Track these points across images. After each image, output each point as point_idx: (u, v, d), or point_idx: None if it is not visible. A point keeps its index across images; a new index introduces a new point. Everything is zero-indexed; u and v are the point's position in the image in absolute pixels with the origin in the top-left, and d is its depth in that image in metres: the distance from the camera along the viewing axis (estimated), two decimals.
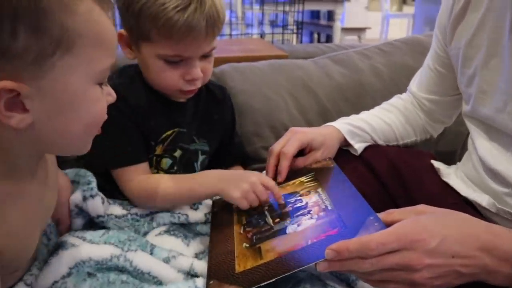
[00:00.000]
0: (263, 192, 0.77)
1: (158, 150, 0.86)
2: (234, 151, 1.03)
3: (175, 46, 0.74)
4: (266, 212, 0.78)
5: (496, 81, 0.77)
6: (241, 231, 0.75)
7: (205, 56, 0.80)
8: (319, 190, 0.79)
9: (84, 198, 0.74)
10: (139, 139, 0.82)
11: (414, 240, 0.55)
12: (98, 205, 0.75)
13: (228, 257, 0.68)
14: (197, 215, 0.81)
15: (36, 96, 0.45)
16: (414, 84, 1.04)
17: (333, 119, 1.00)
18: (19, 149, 0.50)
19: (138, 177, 0.79)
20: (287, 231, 0.70)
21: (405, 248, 0.55)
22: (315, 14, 6.30)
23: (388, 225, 0.59)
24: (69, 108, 0.49)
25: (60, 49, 0.45)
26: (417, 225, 0.58)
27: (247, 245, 0.71)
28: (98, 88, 0.52)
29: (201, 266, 0.69)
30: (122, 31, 0.79)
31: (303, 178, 0.86)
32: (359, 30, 5.61)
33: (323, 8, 5.40)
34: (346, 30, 5.48)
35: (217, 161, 0.99)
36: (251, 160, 1.11)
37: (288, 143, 0.89)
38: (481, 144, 0.82)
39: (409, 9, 7.80)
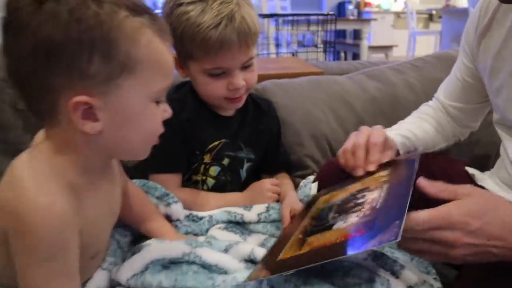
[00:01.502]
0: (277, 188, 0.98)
1: (206, 158, 0.95)
2: (279, 159, 1.11)
3: (213, 60, 0.84)
4: (334, 207, 0.81)
5: None
6: (307, 222, 0.80)
7: (245, 67, 0.89)
8: (385, 187, 0.78)
9: (168, 204, 0.86)
10: (180, 151, 0.93)
11: (457, 222, 0.61)
12: (180, 209, 0.87)
13: (282, 244, 0.75)
14: (250, 215, 0.89)
15: (105, 109, 0.56)
16: (441, 93, 1.10)
17: None
18: (92, 153, 0.61)
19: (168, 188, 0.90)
20: (333, 227, 0.73)
21: (448, 228, 0.61)
22: (341, 33, 6.40)
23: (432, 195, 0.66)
24: (129, 121, 0.60)
25: (124, 72, 0.56)
26: (461, 209, 0.63)
27: (300, 236, 0.76)
28: (154, 105, 0.62)
29: (262, 252, 0.76)
30: (174, 54, 0.88)
31: (382, 173, 0.86)
32: (386, 48, 5.66)
33: (351, 27, 5.49)
34: (373, 48, 5.54)
35: (263, 168, 1.08)
36: (294, 167, 1.18)
37: (373, 136, 0.90)
38: (509, 146, 0.89)
39: (435, 26, 7.79)
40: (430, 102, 1.13)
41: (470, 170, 0.99)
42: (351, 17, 7.01)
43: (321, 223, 0.77)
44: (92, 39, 0.53)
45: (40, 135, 0.64)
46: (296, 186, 1.06)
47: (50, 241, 0.55)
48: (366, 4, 8.09)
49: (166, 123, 0.66)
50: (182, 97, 0.95)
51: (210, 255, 0.72)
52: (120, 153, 0.67)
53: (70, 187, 0.58)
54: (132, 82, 0.57)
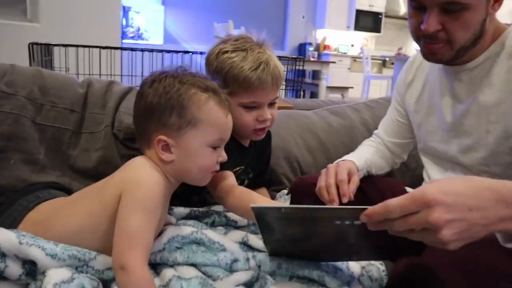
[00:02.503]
0: None
1: None
2: (265, 177, 1.35)
3: (251, 95, 1.07)
4: None
5: (436, 124, 1.14)
6: None
7: (271, 104, 1.12)
8: None
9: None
10: None
11: (430, 199, 0.59)
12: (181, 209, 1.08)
13: None
14: (243, 221, 1.10)
15: (176, 146, 0.90)
16: (381, 130, 1.38)
17: (332, 156, 1.35)
18: (169, 173, 0.92)
19: None
20: None
21: (424, 208, 0.60)
22: (301, 73, 6.79)
23: None
24: (191, 157, 0.91)
25: (189, 125, 0.89)
26: (432, 187, 0.62)
27: None
28: (210, 149, 0.92)
29: (255, 238, 0.99)
30: None
31: None
32: (342, 89, 6.02)
33: (312, 68, 5.84)
34: (330, 88, 5.89)
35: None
36: (272, 183, 1.44)
37: (339, 174, 1.09)
38: (429, 170, 1.19)
39: (388, 72, 8.31)
40: (372, 138, 1.41)
41: (408, 189, 1.26)
42: (312, 59, 7.44)
43: None
44: (172, 104, 0.88)
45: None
46: (273, 198, 1.31)
47: (153, 197, 0.84)
48: (325, 47, 8.58)
49: None
50: None
51: (213, 234, 0.95)
52: (186, 178, 0.95)
53: (161, 182, 0.89)
54: (194, 132, 0.89)
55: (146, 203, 0.83)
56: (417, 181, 1.27)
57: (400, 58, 6.36)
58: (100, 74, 2.82)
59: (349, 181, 1.10)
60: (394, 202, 0.62)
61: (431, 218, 0.59)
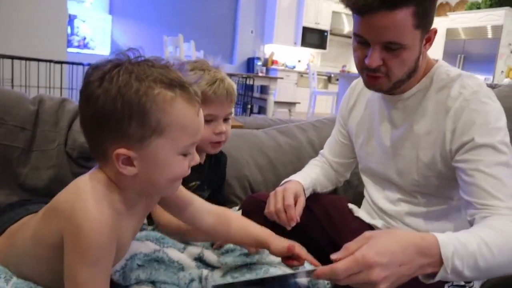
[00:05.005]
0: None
1: None
2: (221, 194, 1.42)
3: (208, 108, 1.12)
4: None
5: (375, 147, 1.25)
6: None
7: (225, 119, 1.20)
8: None
9: None
10: None
11: (370, 262, 0.74)
12: None
13: None
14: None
15: (139, 159, 0.73)
16: (326, 150, 1.47)
17: (281, 175, 1.42)
18: (130, 189, 0.78)
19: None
20: None
21: (365, 268, 0.74)
22: (249, 87, 6.89)
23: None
24: (158, 169, 0.75)
25: (155, 134, 0.72)
26: (370, 250, 0.75)
27: None
28: (181, 157, 0.76)
29: (210, 254, 1.04)
30: None
31: None
32: (290, 104, 6.14)
33: (260, 83, 5.94)
34: (278, 103, 6.00)
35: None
36: (224, 202, 1.48)
37: (286, 199, 1.17)
38: (369, 188, 1.30)
39: (333, 87, 8.59)
40: (317, 157, 1.49)
41: (350, 205, 1.34)
42: (260, 74, 7.57)
43: None
44: (131, 110, 0.70)
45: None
46: None
47: (98, 247, 0.70)
48: (273, 62, 8.77)
49: None
50: None
51: (174, 254, 0.99)
52: (151, 192, 0.82)
53: (114, 209, 0.75)
54: (161, 141, 0.72)
55: (89, 256, 0.70)
56: (359, 198, 1.37)
57: (344, 75, 6.61)
58: (38, 87, 2.74)
59: (296, 203, 1.18)
60: (340, 265, 0.75)
61: (372, 277, 0.74)
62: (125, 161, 0.73)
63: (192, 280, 0.96)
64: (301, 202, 1.20)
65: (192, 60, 1.21)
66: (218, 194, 1.40)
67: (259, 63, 8.47)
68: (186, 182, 1.18)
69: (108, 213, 0.73)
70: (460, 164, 1.02)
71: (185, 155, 0.77)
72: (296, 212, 1.16)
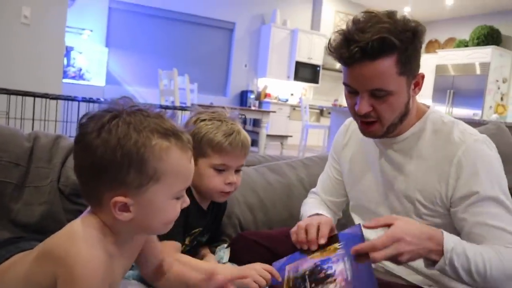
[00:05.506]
0: (267, 275, 1.01)
1: (187, 241, 1.22)
2: (217, 236, 1.45)
3: (222, 158, 1.17)
4: (306, 277, 1.02)
5: (369, 185, 1.27)
6: None
7: (237, 170, 1.22)
8: (345, 258, 1.00)
9: None
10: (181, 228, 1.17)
11: (398, 237, 0.94)
12: None
13: None
14: None
15: (136, 205, 0.77)
16: (319, 188, 1.48)
17: (271, 213, 1.45)
18: (123, 231, 0.81)
19: (174, 252, 1.09)
20: None
21: (395, 242, 0.94)
22: (242, 121, 6.92)
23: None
24: (153, 213, 0.79)
25: (152, 181, 0.76)
26: (397, 228, 0.96)
27: None
28: (174, 201, 0.81)
29: None
30: None
31: (336, 245, 1.09)
32: (282, 137, 6.17)
33: (253, 117, 6.00)
34: (270, 136, 6.03)
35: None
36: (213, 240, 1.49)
37: (322, 220, 1.17)
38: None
39: (325, 121, 8.65)
40: (312, 196, 1.50)
41: None
42: (253, 107, 7.64)
43: None
44: (130, 159, 0.74)
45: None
46: (213, 253, 1.37)
47: None
48: (266, 95, 8.87)
49: None
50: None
51: None
52: (145, 232, 0.87)
53: (107, 252, 0.77)
54: (157, 187, 0.77)
55: None
56: None
57: (336, 109, 6.68)
58: (33, 119, 2.76)
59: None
60: (378, 241, 0.94)
61: (400, 249, 0.95)
62: (122, 207, 0.77)
63: None
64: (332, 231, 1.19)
65: (210, 109, 1.26)
66: (216, 235, 1.43)
67: (252, 96, 8.56)
68: (190, 229, 1.22)
69: (102, 257, 0.75)
70: (463, 215, 1.08)
71: (177, 198, 0.82)
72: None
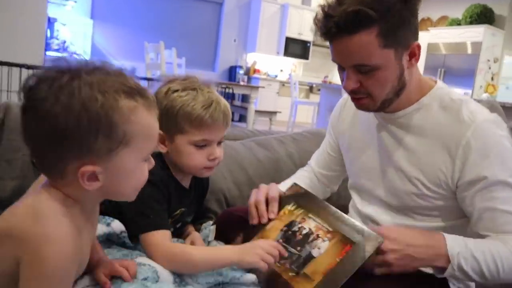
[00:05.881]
0: (275, 252, 0.98)
1: (169, 222, 1.12)
2: (200, 213, 1.35)
3: (203, 133, 1.04)
4: (286, 245, 1.02)
5: (368, 163, 1.21)
6: (278, 265, 0.99)
7: (219, 142, 1.11)
8: (310, 215, 1.05)
9: (108, 224, 1.02)
10: (166, 213, 1.08)
11: (386, 235, 0.94)
12: (119, 224, 1.03)
13: (287, 285, 0.96)
14: None
15: (105, 172, 0.70)
16: (313, 161, 1.44)
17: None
18: (90, 201, 0.75)
19: (166, 242, 0.99)
20: (314, 255, 0.97)
21: (387, 240, 0.93)
22: (230, 95, 6.86)
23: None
24: (123, 178, 0.73)
25: (121, 145, 0.70)
26: (389, 229, 0.98)
27: (293, 274, 0.97)
28: (143, 163, 0.76)
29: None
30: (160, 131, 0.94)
31: (289, 207, 1.11)
32: (271, 113, 6.11)
33: (241, 92, 5.91)
34: (259, 112, 5.96)
35: None
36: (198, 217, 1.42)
37: (269, 191, 1.16)
38: (358, 203, 1.25)
39: (315, 97, 8.60)
40: (305, 167, 1.46)
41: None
42: (242, 83, 7.54)
43: (294, 259, 1.00)
44: (98, 125, 0.66)
45: (41, 179, 0.76)
46: (198, 231, 1.30)
47: (61, 270, 0.66)
48: (255, 71, 8.76)
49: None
50: (160, 169, 1.08)
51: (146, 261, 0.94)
52: (113, 197, 0.79)
53: (75, 225, 0.70)
54: (127, 151, 0.71)
55: (53, 280, 0.66)
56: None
57: (326, 86, 6.62)
58: (9, 91, 2.66)
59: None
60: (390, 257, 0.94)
61: (382, 247, 0.94)
62: (90, 177, 0.69)
63: None
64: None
65: (180, 76, 1.12)
66: (199, 213, 1.34)
67: (241, 71, 8.45)
68: (172, 211, 1.12)
69: (70, 232, 0.68)
70: (472, 201, 1.01)
71: (145, 160, 0.77)
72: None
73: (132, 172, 0.74)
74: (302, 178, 1.40)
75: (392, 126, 1.13)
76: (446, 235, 0.97)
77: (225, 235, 1.22)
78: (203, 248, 1.13)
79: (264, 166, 1.65)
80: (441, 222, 1.10)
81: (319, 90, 7.87)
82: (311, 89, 9.09)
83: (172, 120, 1.04)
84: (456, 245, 0.95)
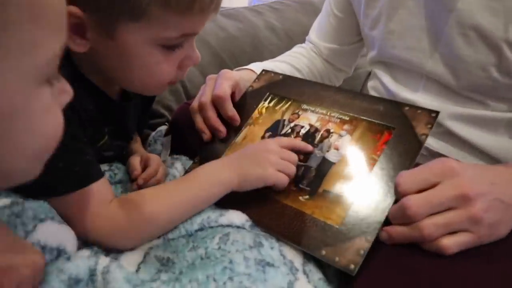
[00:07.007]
0: (292, 154, 0.61)
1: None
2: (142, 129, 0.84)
3: (185, 23, 0.54)
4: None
5: (407, 21, 0.73)
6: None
7: None
8: (305, 106, 0.68)
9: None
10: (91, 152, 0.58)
11: (448, 167, 0.49)
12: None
13: (305, 220, 0.56)
14: None
15: None
16: (313, 33, 0.97)
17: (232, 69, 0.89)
18: None
19: (107, 205, 0.56)
20: (332, 160, 0.60)
21: (445, 177, 0.48)
22: None
23: None
24: None
25: None
26: (440, 159, 0.51)
27: (306, 197, 0.59)
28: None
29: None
30: (74, 9, 0.50)
31: (265, 104, 0.72)
32: None
33: None
34: None
35: None
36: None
37: (218, 88, 0.71)
38: (390, 86, 0.79)
39: None
40: (303, 44, 0.99)
41: None
42: None
43: (304, 173, 0.62)
44: None
45: None
46: (146, 139, 0.83)
47: None
48: None
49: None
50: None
51: None
52: None
53: None
54: None
55: None
56: None
57: None
58: None
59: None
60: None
61: (462, 187, 0.48)
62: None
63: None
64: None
65: None
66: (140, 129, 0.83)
67: None
68: (94, 140, 0.63)
69: None
70: None
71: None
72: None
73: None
74: (296, 59, 0.93)
75: None
76: None
77: (181, 135, 0.78)
78: (171, 182, 0.65)
79: (235, 40, 1.17)
80: None
81: None
82: None
83: (140, 10, 0.51)
84: None
